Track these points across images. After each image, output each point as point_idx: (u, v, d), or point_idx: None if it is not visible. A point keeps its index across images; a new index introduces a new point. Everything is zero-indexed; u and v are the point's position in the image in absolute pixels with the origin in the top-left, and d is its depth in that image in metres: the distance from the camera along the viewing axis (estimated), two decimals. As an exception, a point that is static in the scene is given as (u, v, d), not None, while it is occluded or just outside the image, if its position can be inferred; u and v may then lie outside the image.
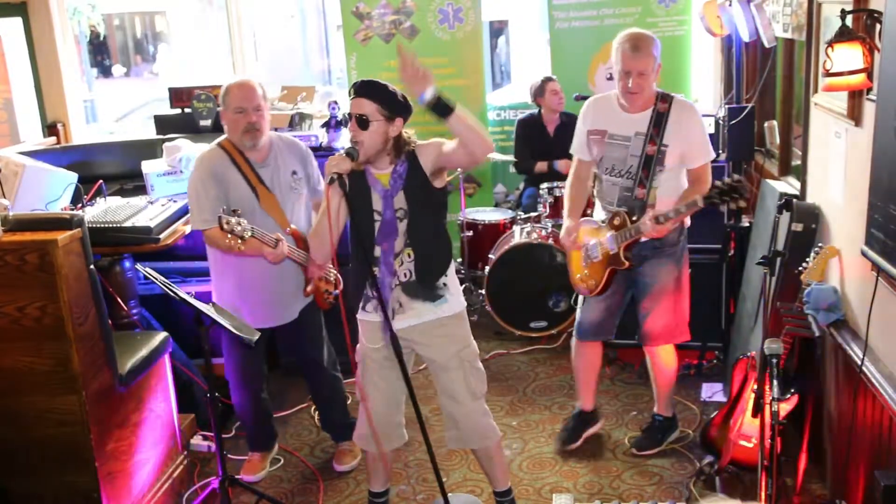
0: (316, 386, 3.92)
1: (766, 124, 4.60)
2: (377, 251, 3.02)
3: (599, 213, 3.69)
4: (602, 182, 3.59)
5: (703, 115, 4.58)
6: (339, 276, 3.72)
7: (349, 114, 2.90)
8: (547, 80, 5.70)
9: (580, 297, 3.81)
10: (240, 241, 3.18)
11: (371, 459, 3.33)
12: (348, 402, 4.02)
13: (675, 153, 3.45)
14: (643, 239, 3.45)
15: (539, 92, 5.70)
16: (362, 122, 2.86)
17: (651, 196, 3.46)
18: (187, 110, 5.40)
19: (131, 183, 4.78)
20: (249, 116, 3.32)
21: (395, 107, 2.89)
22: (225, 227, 3.12)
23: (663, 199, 3.48)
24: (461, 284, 5.59)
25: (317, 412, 4.36)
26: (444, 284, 3.09)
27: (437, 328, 3.09)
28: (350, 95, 2.91)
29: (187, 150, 4.42)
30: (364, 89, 2.87)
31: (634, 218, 3.43)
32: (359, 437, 3.27)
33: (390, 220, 3.00)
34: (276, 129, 4.72)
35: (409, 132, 2.99)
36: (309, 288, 3.59)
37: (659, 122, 3.41)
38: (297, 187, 3.53)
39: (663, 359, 3.81)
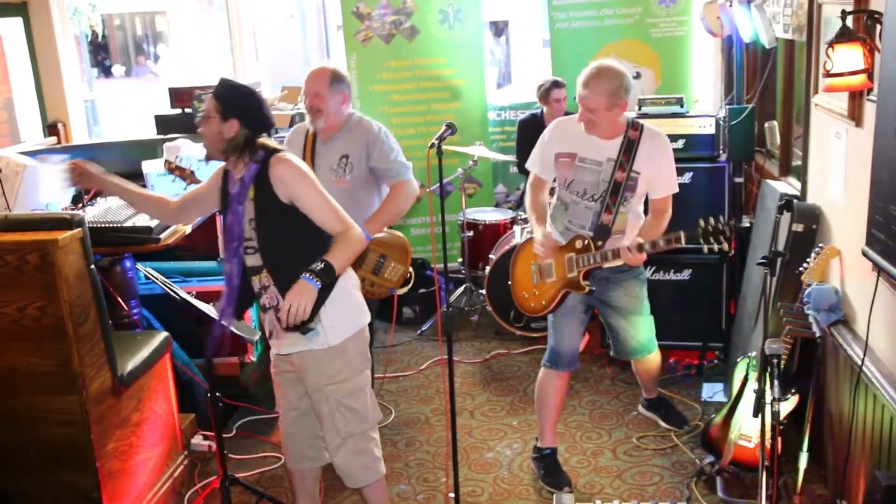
0: None
1: (766, 125, 4.60)
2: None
3: (552, 233, 3.53)
4: (569, 205, 3.45)
5: (703, 115, 4.62)
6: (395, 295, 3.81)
7: None
8: (554, 85, 5.63)
9: (550, 324, 3.60)
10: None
11: (290, 477, 3.21)
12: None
13: (645, 180, 3.36)
14: (605, 265, 3.35)
15: (544, 95, 5.69)
16: (202, 118, 2.77)
17: (618, 222, 3.37)
18: (187, 110, 5.39)
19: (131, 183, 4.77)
20: (309, 101, 3.69)
21: (231, 108, 2.72)
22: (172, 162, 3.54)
23: (631, 225, 3.42)
24: (462, 284, 5.69)
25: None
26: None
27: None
28: None
29: (187, 150, 4.42)
30: (216, 87, 2.77)
31: (599, 243, 3.34)
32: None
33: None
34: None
35: (265, 140, 2.80)
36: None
37: (629, 149, 3.32)
38: (339, 170, 3.70)
39: (651, 360, 3.83)
